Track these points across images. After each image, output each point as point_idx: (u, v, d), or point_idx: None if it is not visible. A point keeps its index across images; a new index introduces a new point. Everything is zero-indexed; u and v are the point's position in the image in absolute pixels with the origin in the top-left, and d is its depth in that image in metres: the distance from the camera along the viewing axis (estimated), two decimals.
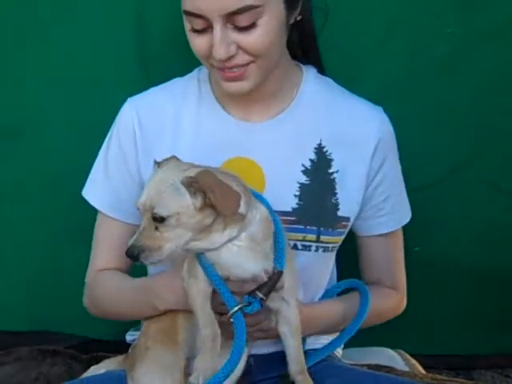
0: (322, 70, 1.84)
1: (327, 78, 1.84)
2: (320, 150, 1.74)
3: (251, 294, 1.49)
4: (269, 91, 1.72)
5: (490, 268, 2.39)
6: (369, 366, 1.90)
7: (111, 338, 2.30)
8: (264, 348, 1.74)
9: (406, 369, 2.03)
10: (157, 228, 1.41)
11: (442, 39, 2.12)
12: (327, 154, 1.74)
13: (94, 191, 1.84)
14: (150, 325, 1.64)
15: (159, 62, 2.12)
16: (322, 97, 1.77)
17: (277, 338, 1.61)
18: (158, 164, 1.52)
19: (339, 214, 1.75)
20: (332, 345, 1.77)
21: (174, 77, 1.84)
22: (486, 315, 2.48)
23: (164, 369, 1.53)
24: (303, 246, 1.73)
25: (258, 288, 1.49)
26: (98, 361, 1.82)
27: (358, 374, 1.71)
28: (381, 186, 1.79)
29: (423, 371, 2.06)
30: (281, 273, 1.50)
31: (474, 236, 2.35)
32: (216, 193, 1.37)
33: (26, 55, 2.15)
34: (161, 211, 1.40)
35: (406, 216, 1.89)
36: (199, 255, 1.49)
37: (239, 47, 1.56)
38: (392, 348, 2.18)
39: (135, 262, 1.44)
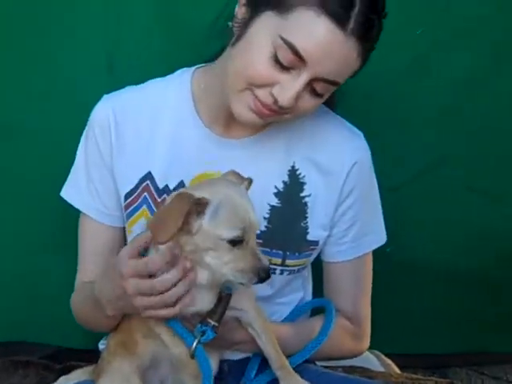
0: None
1: None
2: (293, 173, 1.70)
3: (202, 322, 1.47)
4: None
5: (463, 267, 2.42)
6: (343, 368, 1.90)
7: (85, 347, 2.28)
8: (237, 354, 1.73)
9: (382, 369, 2.04)
10: None
11: (412, 41, 2.13)
12: (300, 176, 1.70)
13: (76, 194, 1.77)
14: (110, 338, 1.65)
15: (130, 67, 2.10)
16: (304, 119, 1.68)
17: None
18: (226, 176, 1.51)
19: (308, 238, 1.72)
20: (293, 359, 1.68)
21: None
22: (459, 314, 2.50)
23: (124, 379, 1.52)
24: None
25: (209, 315, 1.47)
26: (70, 370, 1.80)
27: (331, 379, 1.70)
28: (347, 213, 1.75)
29: (398, 371, 2.06)
30: (229, 296, 1.48)
31: (447, 236, 2.37)
32: None
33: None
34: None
35: (372, 243, 1.82)
36: None
37: (295, 104, 1.50)
38: (367, 349, 2.18)
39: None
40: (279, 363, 1.56)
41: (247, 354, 1.70)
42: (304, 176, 1.70)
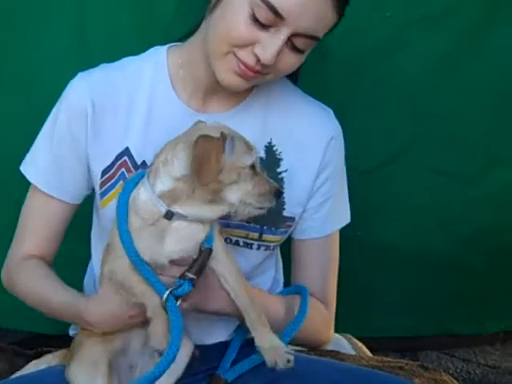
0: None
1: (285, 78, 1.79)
2: (270, 149, 1.72)
3: (181, 276, 1.46)
4: None
5: (432, 250, 2.45)
6: (315, 352, 1.90)
7: (56, 333, 2.26)
8: (208, 338, 1.74)
9: (353, 352, 2.04)
10: None
11: (381, 23, 2.13)
12: (277, 152, 1.72)
13: (34, 167, 1.74)
14: None
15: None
16: (277, 96, 1.73)
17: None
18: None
19: (284, 213, 1.74)
20: None
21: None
22: (429, 297, 2.53)
23: (92, 363, 1.52)
24: (245, 243, 1.72)
25: (188, 269, 1.46)
26: (41, 356, 1.79)
27: (302, 361, 1.67)
28: (323, 187, 1.77)
29: (369, 354, 2.07)
30: (210, 251, 1.48)
31: (417, 219, 2.40)
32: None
33: None
34: None
35: (341, 221, 1.84)
36: (126, 240, 1.44)
37: (276, 62, 1.51)
38: (339, 332, 2.20)
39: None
40: (255, 315, 1.51)
41: (228, 321, 1.71)
42: (281, 152, 1.72)
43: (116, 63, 1.74)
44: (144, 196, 1.45)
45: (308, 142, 1.73)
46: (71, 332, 1.87)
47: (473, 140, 2.31)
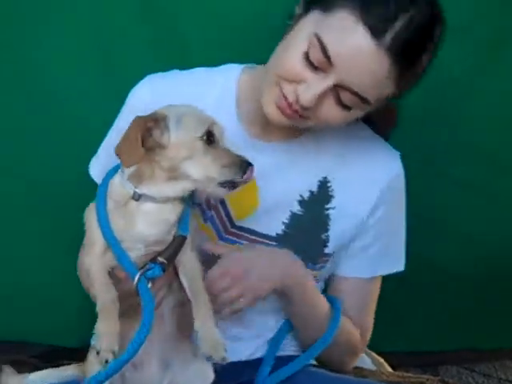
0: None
1: None
2: (324, 184, 1.69)
3: (153, 260, 1.46)
4: None
5: (453, 266, 2.43)
6: None
7: (77, 346, 2.27)
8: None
9: (373, 367, 2.04)
10: None
11: None
12: (330, 189, 1.69)
13: (96, 165, 1.79)
14: None
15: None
16: (341, 133, 1.68)
17: None
18: None
19: (326, 251, 1.72)
20: (304, 357, 1.69)
21: None
22: (450, 312, 2.51)
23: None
24: None
25: (160, 253, 1.47)
26: None
27: (323, 378, 1.69)
28: (372, 228, 1.73)
29: (390, 369, 2.07)
30: (183, 238, 1.48)
31: (438, 233, 2.38)
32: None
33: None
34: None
35: (390, 266, 1.79)
36: (102, 219, 1.45)
37: (317, 108, 1.49)
38: None
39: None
40: (204, 305, 1.48)
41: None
42: (333, 189, 1.69)
43: (187, 72, 1.75)
44: (117, 179, 1.49)
45: (366, 184, 1.69)
46: (93, 342, 1.87)
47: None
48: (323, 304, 1.72)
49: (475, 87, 2.18)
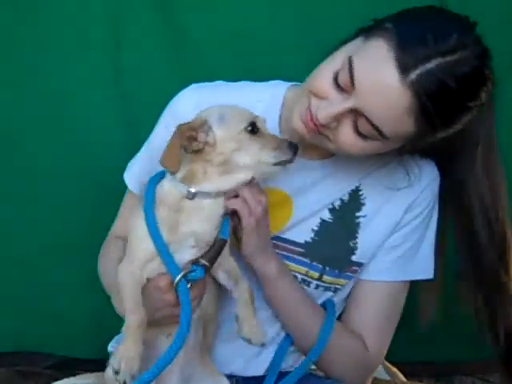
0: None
1: None
2: (355, 193, 1.70)
3: (195, 262, 1.49)
4: None
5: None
6: None
7: (91, 357, 2.28)
8: (247, 370, 1.75)
9: (387, 377, 2.03)
10: None
11: None
12: (361, 197, 1.70)
13: (132, 168, 1.81)
14: None
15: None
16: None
17: None
18: None
19: (353, 258, 1.71)
20: (305, 361, 1.69)
21: None
22: (464, 322, 2.49)
23: None
24: (303, 280, 1.71)
25: (202, 256, 1.49)
26: None
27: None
28: (402, 229, 1.72)
29: (404, 379, 2.06)
30: (225, 242, 1.51)
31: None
32: None
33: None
34: None
35: (416, 273, 1.76)
36: (151, 223, 1.48)
37: (334, 133, 1.50)
38: None
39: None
40: (244, 301, 1.53)
41: None
42: (365, 198, 1.70)
43: (234, 84, 1.76)
44: (166, 184, 1.52)
45: (396, 195, 1.69)
46: (110, 349, 1.87)
47: None
48: (310, 300, 1.71)
49: None
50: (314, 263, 1.70)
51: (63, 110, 2.18)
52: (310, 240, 1.70)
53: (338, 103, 1.46)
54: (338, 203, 1.69)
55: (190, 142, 1.46)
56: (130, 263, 1.50)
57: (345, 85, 1.44)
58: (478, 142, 1.58)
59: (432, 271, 1.76)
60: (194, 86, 1.72)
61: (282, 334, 1.77)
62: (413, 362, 2.44)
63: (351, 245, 1.71)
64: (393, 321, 1.78)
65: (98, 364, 1.85)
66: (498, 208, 1.65)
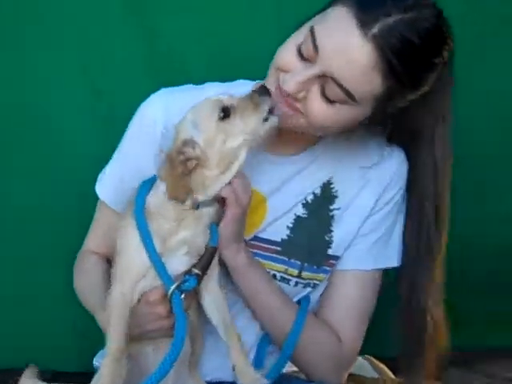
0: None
1: None
2: (327, 186, 1.72)
3: (187, 272, 1.50)
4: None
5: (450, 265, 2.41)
6: None
7: (76, 370, 2.28)
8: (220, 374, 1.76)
9: (375, 374, 2.03)
10: None
11: None
12: (333, 190, 1.72)
13: (103, 184, 1.81)
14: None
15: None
16: (344, 141, 1.71)
17: None
18: None
19: (329, 252, 1.73)
20: (278, 364, 1.71)
21: None
22: (449, 312, 2.49)
23: None
24: (282, 277, 1.72)
25: (194, 265, 1.51)
26: None
27: None
28: (372, 217, 1.74)
29: (392, 376, 2.06)
30: (215, 249, 1.52)
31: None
32: None
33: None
34: None
35: (385, 261, 1.78)
36: (143, 226, 1.49)
37: (305, 103, 1.51)
38: (360, 354, 2.18)
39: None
40: (238, 346, 1.55)
41: None
42: (337, 190, 1.72)
43: (200, 86, 1.76)
44: (161, 198, 1.52)
45: (366, 185, 1.73)
46: (95, 363, 1.91)
47: None
48: (282, 293, 1.72)
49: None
50: (292, 260, 1.71)
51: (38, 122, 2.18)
52: (286, 237, 1.71)
53: (303, 70, 1.49)
54: (310, 197, 1.70)
55: (185, 164, 1.46)
56: (122, 284, 1.51)
57: (309, 55, 1.48)
58: (438, 118, 1.61)
59: (396, 259, 1.77)
60: (161, 91, 1.72)
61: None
62: None
63: (327, 238, 1.72)
64: (366, 311, 1.79)
65: (85, 377, 1.86)
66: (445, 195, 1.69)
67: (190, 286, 1.50)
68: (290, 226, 1.71)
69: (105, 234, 1.81)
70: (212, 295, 1.57)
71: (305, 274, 1.73)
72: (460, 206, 2.09)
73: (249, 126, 1.50)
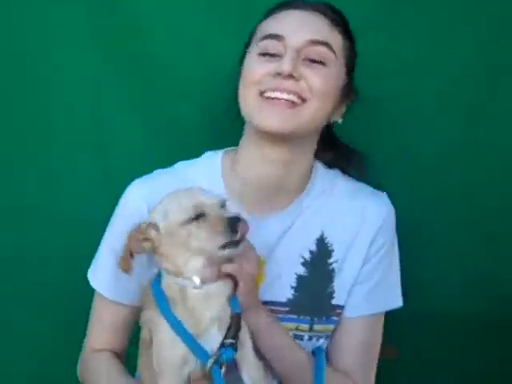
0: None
1: (333, 170, 1.84)
2: (321, 242, 1.74)
3: (221, 345, 1.49)
4: (292, 180, 1.73)
5: (460, 314, 2.33)
6: None
7: None
8: None
9: None
10: None
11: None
12: (328, 245, 1.74)
13: (97, 275, 1.82)
14: None
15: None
16: (328, 191, 1.79)
17: None
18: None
19: (333, 302, 1.74)
20: None
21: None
22: (465, 364, 2.41)
23: None
24: (295, 335, 1.72)
25: (225, 337, 1.50)
26: None
27: None
28: (368, 264, 1.76)
29: None
30: (239, 316, 1.52)
31: (459, 283, 2.31)
32: None
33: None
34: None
35: (388, 303, 1.82)
36: (169, 315, 1.51)
37: (303, 78, 1.60)
38: None
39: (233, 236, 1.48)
40: None
41: None
42: (332, 244, 1.74)
43: (170, 169, 1.82)
44: (167, 281, 1.57)
45: (359, 230, 1.75)
46: None
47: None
48: (299, 346, 1.72)
49: None
50: (302, 317, 1.72)
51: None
52: (292, 297, 1.72)
53: (285, 57, 1.60)
54: (308, 256, 1.72)
55: (140, 243, 1.53)
56: (168, 377, 1.52)
57: (275, 48, 1.62)
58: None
59: (401, 299, 1.80)
60: (136, 181, 1.78)
61: None
62: None
63: (329, 290, 1.74)
64: (374, 353, 1.80)
65: None
66: None
67: (228, 356, 1.49)
68: (294, 285, 1.73)
69: (110, 330, 1.81)
70: (250, 365, 1.58)
71: (316, 327, 1.75)
72: None
73: (205, 245, 1.51)
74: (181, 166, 1.81)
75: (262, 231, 1.68)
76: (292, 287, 1.73)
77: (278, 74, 1.59)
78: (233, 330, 1.52)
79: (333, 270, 1.74)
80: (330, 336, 1.80)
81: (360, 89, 1.80)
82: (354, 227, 1.76)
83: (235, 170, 1.74)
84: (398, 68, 2.12)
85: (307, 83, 1.61)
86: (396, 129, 2.15)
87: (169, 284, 1.56)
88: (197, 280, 1.54)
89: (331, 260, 1.74)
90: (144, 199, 1.72)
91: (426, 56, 2.14)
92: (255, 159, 1.70)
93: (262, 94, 1.62)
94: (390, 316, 1.87)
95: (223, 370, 1.49)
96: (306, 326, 1.74)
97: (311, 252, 1.74)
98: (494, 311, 2.33)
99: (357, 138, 1.96)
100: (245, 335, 1.58)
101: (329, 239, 1.74)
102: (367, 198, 1.79)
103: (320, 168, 1.81)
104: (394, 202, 2.03)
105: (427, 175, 2.21)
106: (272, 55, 1.61)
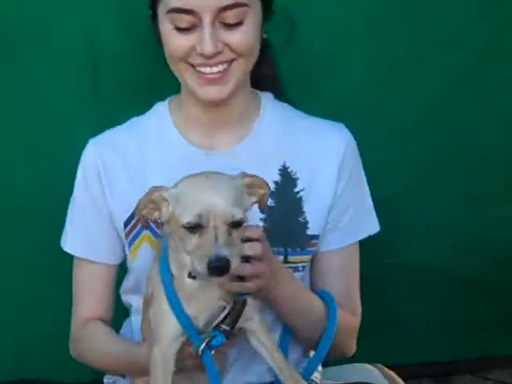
0: (281, 95, 1.85)
1: (283, 103, 1.84)
2: (285, 171, 1.73)
3: (216, 327, 1.48)
4: (235, 113, 1.72)
5: (461, 272, 2.41)
6: None
7: (88, 380, 2.25)
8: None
9: (385, 382, 2.00)
10: (230, 234, 1.39)
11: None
12: (292, 173, 1.74)
13: (69, 239, 1.81)
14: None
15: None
16: (282, 121, 1.78)
17: None
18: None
19: (308, 232, 1.74)
20: (311, 364, 1.71)
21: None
22: (460, 320, 2.48)
23: None
24: None
25: (222, 320, 1.48)
26: None
27: None
28: (342, 197, 1.76)
29: (402, 383, 2.03)
30: (243, 303, 1.49)
31: (443, 240, 2.36)
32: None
33: None
34: (238, 214, 1.39)
35: (367, 229, 1.84)
36: (170, 291, 1.49)
37: (225, 45, 1.59)
38: (369, 362, 2.16)
39: (220, 277, 1.38)
40: (288, 372, 1.52)
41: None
42: (296, 172, 1.74)
43: (123, 125, 1.82)
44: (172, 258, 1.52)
45: (322, 159, 1.75)
46: (106, 381, 1.89)
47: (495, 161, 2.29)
48: (314, 298, 1.73)
49: None
50: (275, 248, 1.68)
51: None
52: (262, 228, 1.67)
53: (202, 33, 1.56)
54: (272, 186, 1.69)
55: (151, 209, 1.47)
56: (161, 345, 1.49)
57: (188, 22, 1.57)
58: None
59: (377, 224, 1.84)
60: (91, 141, 1.79)
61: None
62: (411, 364, 2.42)
63: (302, 220, 1.74)
64: (357, 280, 1.85)
65: None
66: None
67: (217, 343, 1.47)
68: (262, 217, 1.71)
69: (92, 294, 1.80)
70: (259, 337, 1.54)
71: (290, 258, 1.75)
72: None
73: (192, 258, 1.42)
74: (131, 121, 1.83)
75: (218, 166, 1.59)
76: (261, 219, 1.71)
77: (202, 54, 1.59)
78: (232, 316, 1.48)
79: (300, 199, 1.74)
80: (310, 269, 1.82)
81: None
82: (318, 155, 1.76)
83: (182, 111, 1.76)
84: None
85: (231, 48, 1.61)
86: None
87: (172, 262, 1.52)
88: (186, 274, 1.49)
89: (297, 189, 1.74)
90: (98, 153, 1.74)
91: None
92: (197, 107, 1.72)
93: (193, 66, 1.63)
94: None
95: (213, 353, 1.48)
96: (280, 258, 1.72)
97: (275, 182, 1.73)
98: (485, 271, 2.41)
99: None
100: (252, 312, 1.53)
101: (291, 168, 1.75)
102: (327, 128, 1.79)
103: (269, 100, 1.81)
104: (385, 166, 2.07)
105: (418, 137, 2.25)
106: (186, 29, 1.59)
